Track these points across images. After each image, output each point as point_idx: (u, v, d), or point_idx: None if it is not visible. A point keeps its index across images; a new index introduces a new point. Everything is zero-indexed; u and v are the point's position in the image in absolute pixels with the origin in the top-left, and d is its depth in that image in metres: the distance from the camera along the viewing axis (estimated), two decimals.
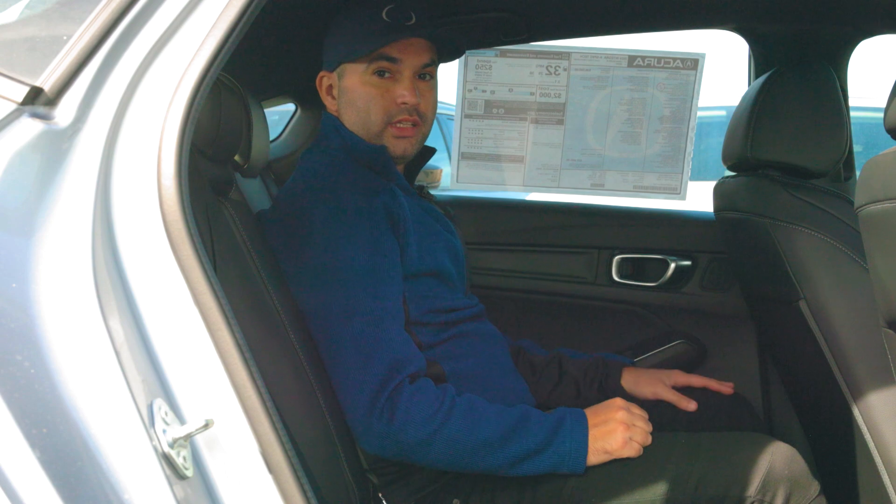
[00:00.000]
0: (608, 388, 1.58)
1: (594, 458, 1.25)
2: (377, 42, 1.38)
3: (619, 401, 1.31)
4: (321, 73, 1.48)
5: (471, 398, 1.26)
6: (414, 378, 1.23)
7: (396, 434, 1.19)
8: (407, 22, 1.38)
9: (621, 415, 1.27)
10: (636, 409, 1.31)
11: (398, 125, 1.42)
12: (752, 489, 1.24)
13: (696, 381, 1.57)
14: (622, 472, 1.26)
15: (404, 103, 1.40)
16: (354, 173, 1.40)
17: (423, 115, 1.44)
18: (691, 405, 1.52)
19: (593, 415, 1.28)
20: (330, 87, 1.47)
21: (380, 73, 1.41)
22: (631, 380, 1.59)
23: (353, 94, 1.43)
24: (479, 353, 1.43)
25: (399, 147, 1.44)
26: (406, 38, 1.39)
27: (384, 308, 1.26)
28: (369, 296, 1.26)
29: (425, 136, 1.50)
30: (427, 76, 1.45)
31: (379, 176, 1.42)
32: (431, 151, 1.58)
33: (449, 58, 1.56)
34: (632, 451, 1.25)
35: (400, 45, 1.39)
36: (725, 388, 1.56)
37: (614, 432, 1.25)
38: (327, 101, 1.49)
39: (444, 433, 1.20)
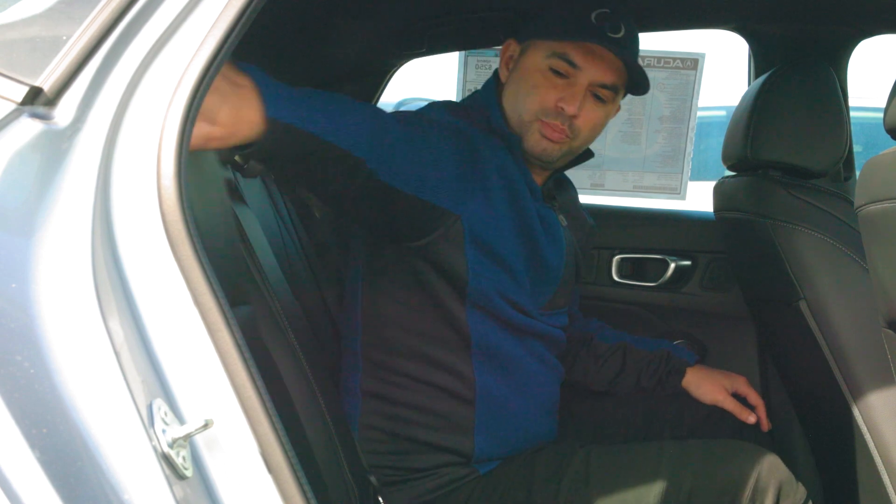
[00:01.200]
0: (668, 384, 1.57)
1: None
2: (575, 33, 1.31)
3: None
4: (510, 40, 1.41)
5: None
6: None
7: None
8: (614, 34, 1.30)
9: None
10: None
11: (550, 123, 1.34)
12: (744, 498, 1.24)
13: (753, 398, 1.55)
14: (614, 483, 1.26)
15: (562, 108, 1.33)
16: (484, 131, 1.34)
17: (576, 130, 1.35)
18: (751, 417, 1.51)
19: None
20: (510, 57, 1.41)
21: (556, 71, 1.33)
22: (693, 381, 1.56)
23: (524, 73, 1.36)
24: (527, 383, 1.38)
25: (540, 146, 1.35)
26: (597, 46, 1.31)
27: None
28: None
29: (571, 153, 1.41)
30: (601, 99, 1.36)
31: (506, 151, 1.35)
32: (589, 155, 1.49)
33: (633, 92, 1.43)
34: None
35: (589, 52, 1.31)
36: (764, 423, 1.54)
37: None
38: (501, 70, 1.42)
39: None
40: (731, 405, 1.52)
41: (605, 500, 1.24)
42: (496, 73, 1.44)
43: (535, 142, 1.35)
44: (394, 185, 1.15)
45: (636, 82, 1.39)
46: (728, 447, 1.36)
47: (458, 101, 1.44)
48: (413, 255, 1.29)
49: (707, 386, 1.55)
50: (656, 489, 1.24)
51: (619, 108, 1.46)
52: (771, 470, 1.28)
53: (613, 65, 1.33)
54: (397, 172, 1.15)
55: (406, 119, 1.23)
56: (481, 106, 1.39)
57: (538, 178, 1.43)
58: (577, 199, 1.59)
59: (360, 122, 1.11)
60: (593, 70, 1.32)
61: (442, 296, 1.30)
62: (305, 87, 1.08)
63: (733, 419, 1.54)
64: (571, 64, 1.32)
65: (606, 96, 1.36)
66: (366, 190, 1.14)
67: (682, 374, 1.57)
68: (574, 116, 1.33)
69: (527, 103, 1.35)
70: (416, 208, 1.21)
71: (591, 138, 1.40)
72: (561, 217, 1.47)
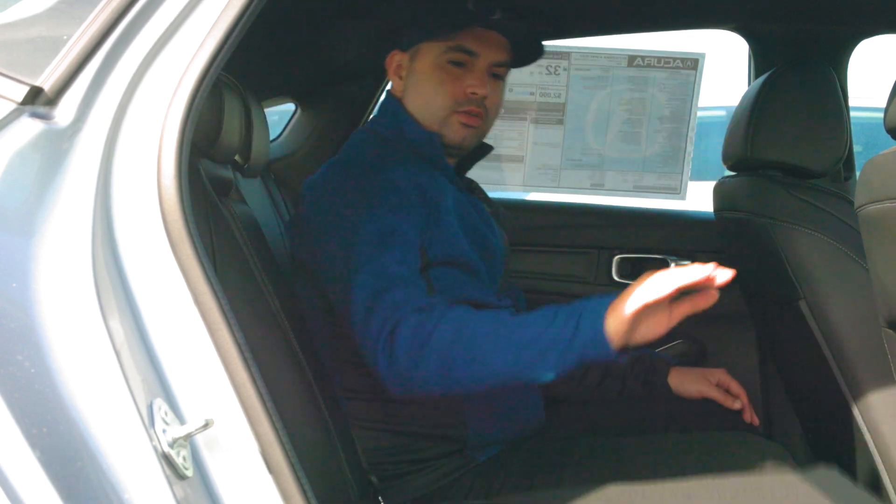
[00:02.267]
0: (654, 385, 1.58)
1: (615, 321, 1.07)
2: (460, 25, 1.36)
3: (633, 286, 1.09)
4: (393, 52, 1.46)
5: (462, 307, 1.18)
6: (422, 309, 1.16)
7: (397, 365, 1.13)
8: (491, 16, 1.37)
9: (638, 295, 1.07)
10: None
11: (465, 113, 1.39)
12: None
13: (735, 387, 1.56)
14: (616, 473, 1.26)
15: (474, 93, 1.38)
16: (400, 156, 1.38)
17: (488, 110, 1.42)
18: (736, 404, 1.52)
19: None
20: (399, 66, 1.45)
21: (454, 62, 1.39)
22: (677, 379, 1.58)
23: (423, 76, 1.41)
24: None
25: (460, 134, 1.41)
26: (486, 31, 1.38)
27: (394, 263, 1.22)
28: (378, 252, 1.22)
29: (484, 133, 1.48)
30: (498, 76, 1.43)
31: (426, 164, 1.40)
32: (487, 149, 1.56)
33: (521, 62, 1.52)
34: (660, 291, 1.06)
35: (479, 37, 1.38)
36: (747, 412, 1.54)
37: (625, 313, 1.06)
38: (393, 81, 1.46)
39: (433, 345, 1.11)
40: (716, 394, 1.54)
41: (608, 489, 1.24)
42: (387, 91, 1.49)
43: (456, 131, 1.41)
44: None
45: (523, 53, 1.48)
46: (730, 438, 1.37)
47: (363, 127, 1.51)
48: None
49: (691, 380, 1.57)
50: (658, 479, 1.24)
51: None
52: (776, 461, 1.28)
53: (501, 43, 1.41)
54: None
55: (381, 227, 1.27)
56: (391, 123, 1.44)
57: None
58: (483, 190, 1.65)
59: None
60: (489, 52, 1.39)
61: None
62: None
63: (733, 419, 1.55)
64: (469, 52, 1.38)
65: (502, 73, 1.45)
66: None
67: (666, 372, 1.58)
68: (485, 97, 1.40)
69: (437, 100, 1.40)
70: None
71: (496, 116, 1.48)
72: (484, 202, 1.54)
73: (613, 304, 1.08)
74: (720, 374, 1.57)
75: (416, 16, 1.44)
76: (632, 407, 1.58)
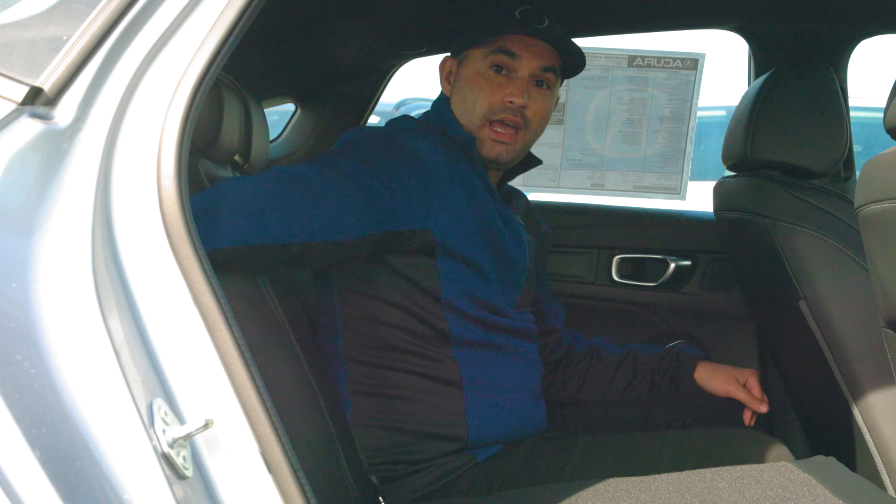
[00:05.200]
0: (681, 381, 1.57)
1: None
2: (501, 30, 1.37)
3: None
4: (445, 58, 1.48)
5: None
6: None
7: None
8: (539, 24, 1.38)
9: None
10: None
11: (497, 128, 1.40)
12: None
13: (757, 390, 1.55)
14: (617, 470, 1.26)
15: (511, 102, 1.38)
16: (440, 143, 1.38)
17: (528, 120, 1.41)
18: (763, 407, 1.52)
19: None
20: (450, 73, 1.47)
21: (497, 68, 1.39)
22: (705, 374, 1.57)
23: (467, 82, 1.42)
24: (509, 371, 1.40)
25: (493, 150, 1.41)
26: (531, 38, 1.38)
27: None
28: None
29: (527, 146, 1.46)
30: (544, 84, 1.42)
31: (465, 158, 1.39)
32: (536, 161, 1.55)
33: (571, 73, 1.52)
34: None
35: (523, 42, 1.38)
36: (762, 408, 1.54)
37: None
38: (444, 86, 1.48)
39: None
40: (743, 396, 1.53)
41: (608, 486, 1.24)
42: (440, 92, 1.51)
43: (489, 147, 1.41)
44: (345, 238, 1.22)
45: (572, 64, 1.47)
46: (730, 435, 1.38)
47: (404, 118, 1.50)
48: (387, 268, 1.34)
49: (720, 378, 1.56)
50: (659, 473, 1.24)
51: (558, 98, 1.53)
52: (776, 457, 1.29)
53: (546, 50, 1.41)
54: (344, 228, 1.21)
55: (333, 161, 1.26)
56: (436, 120, 1.45)
57: (494, 180, 1.48)
58: (530, 206, 1.64)
59: (285, 208, 1.16)
60: (532, 58, 1.39)
61: (418, 301, 1.34)
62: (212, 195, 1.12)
63: (733, 416, 1.55)
64: (511, 55, 1.38)
65: (549, 79, 1.43)
66: (330, 252, 1.23)
67: (693, 368, 1.58)
68: (524, 107, 1.39)
69: (476, 107, 1.40)
70: (382, 239, 1.28)
71: (542, 128, 1.46)
72: (519, 218, 1.52)
73: None
74: (749, 375, 1.56)
75: (465, 25, 1.46)
76: (633, 406, 1.57)
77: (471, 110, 1.41)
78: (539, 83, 1.41)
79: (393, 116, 1.50)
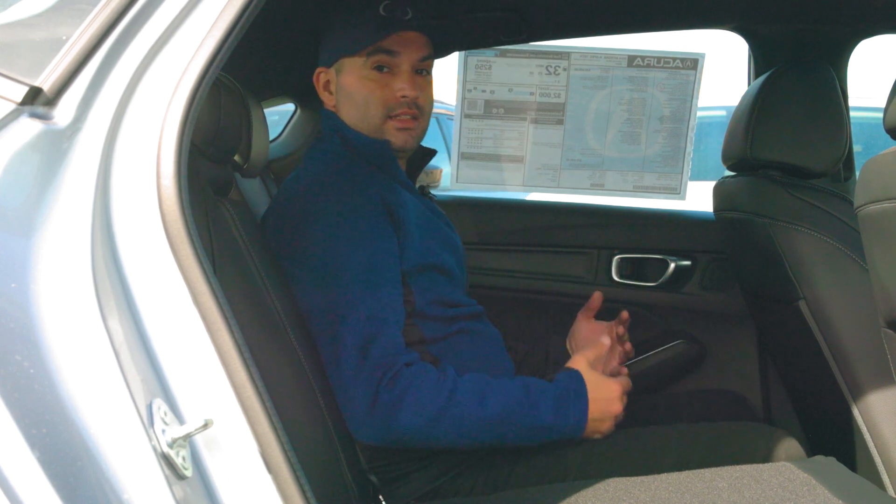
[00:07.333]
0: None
1: (587, 433, 1.28)
2: (376, 35, 1.38)
3: (618, 388, 1.31)
4: (318, 70, 1.48)
5: (473, 376, 1.27)
6: (411, 364, 1.23)
7: (401, 419, 1.19)
8: (404, 17, 1.39)
9: (617, 407, 1.29)
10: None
11: (399, 117, 1.42)
12: None
13: (621, 330, 1.55)
14: (623, 462, 1.26)
15: (404, 96, 1.41)
16: (354, 171, 1.40)
17: (421, 108, 1.45)
18: (626, 345, 1.53)
19: (593, 388, 1.29)
20: (327, 82, 1.47)
21: (378, 67, 1.41)
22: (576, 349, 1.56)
23: (352, 88, 1.43)
24: (479, 353, 1.43)
25: (400, 139, 1.44)
26: (404, 32, 1.40)
27: (382, 306, 1.26)
28: (368, 294, 1.25)
29: (424, 131, 1.50)
30: (424, 71, 1.46)
31: (380, 172, 1.42)
32: (432, 153, 1.58)
33: (443, 53, 1.57)
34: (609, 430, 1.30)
35: (398, 38, 1.40)
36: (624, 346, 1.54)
37: (606, 421, 1.29)
38: (324, 97, 1.48)
39: (451, 412, 1.20)
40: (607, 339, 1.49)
41: (608, 486, 1.24)
42: (322, 108, 1.50)
43: (395, 137, 1.43)
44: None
45: (442, 44, 1.53)
46: (737, 428, 1.38)
47: (311, 148, 1.51)
48: None
49: (583, 335, 1.58)
50: (665, 467, 1.24)
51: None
52: (783, 449, 1.29)
53: (420, 40, 1.43)
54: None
55: (348, 236, 1.30)
56: (338, 140, 1.45)
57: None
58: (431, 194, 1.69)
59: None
60: (410, 51, 1.42)
61: None
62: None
63: (752, 412, 1.55)
64: (390, 53, 1.40)
65: (428, 66, 1.47)
66: None
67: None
68: (416, 97, 1.42)
69: (371, 109, 1.42)
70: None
71: (431, 111, 1.50)
72: (435, 203, 1.57)
73: (589, 384, 1.27)
74: (610, 328, 1.54)
75: (331, 32, 1.45)
76: (636, 402, 1.57)
77: (367, 114, 1.42)
78: (419, 71, 1.44)
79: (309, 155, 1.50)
